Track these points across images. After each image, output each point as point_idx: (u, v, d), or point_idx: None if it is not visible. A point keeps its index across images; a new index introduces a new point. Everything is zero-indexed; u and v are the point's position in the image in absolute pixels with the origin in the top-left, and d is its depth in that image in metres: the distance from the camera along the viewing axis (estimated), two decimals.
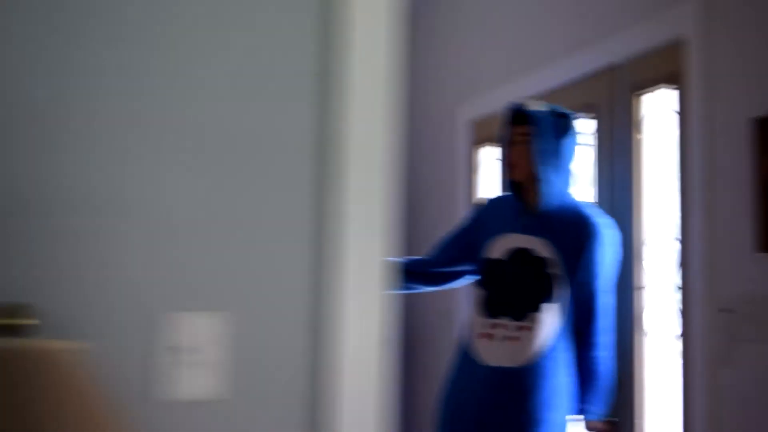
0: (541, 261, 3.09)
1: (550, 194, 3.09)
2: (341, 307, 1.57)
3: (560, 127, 3.11)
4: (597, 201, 3.77)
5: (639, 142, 3.60)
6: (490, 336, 3.11)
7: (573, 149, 3.17)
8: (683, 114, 3.31)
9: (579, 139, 3.23)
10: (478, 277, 3.26)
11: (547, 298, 3.07)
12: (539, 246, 3.11)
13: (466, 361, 3.18)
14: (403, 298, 5.40)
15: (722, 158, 3.13)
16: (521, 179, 3.18)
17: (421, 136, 5.50)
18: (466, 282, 3.41)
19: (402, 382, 5.86)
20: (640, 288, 3.54)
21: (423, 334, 5.55)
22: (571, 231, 3.09)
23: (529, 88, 4.17)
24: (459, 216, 4.36)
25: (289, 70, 1.56)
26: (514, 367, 3.05)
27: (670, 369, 3.39)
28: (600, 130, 3.77)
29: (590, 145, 3.75)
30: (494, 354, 3.09)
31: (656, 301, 3.50)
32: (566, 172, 3.14)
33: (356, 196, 1.60)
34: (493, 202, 3.36)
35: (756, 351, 2.97)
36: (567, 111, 3.18)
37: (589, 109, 3.80)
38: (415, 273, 3.39)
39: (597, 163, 3.77)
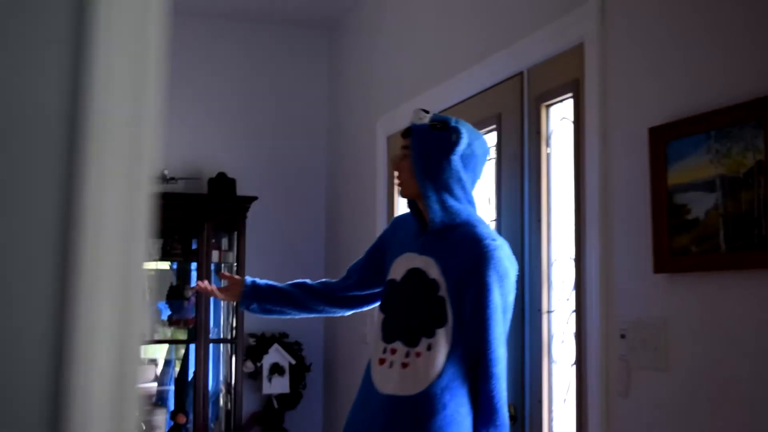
0: (433, 283, 2.90)
1: (435, 212, 2.91)
2: (84, 319, 1.33)
3: (442, 140, 2.90)
4: (500, 219, 3.54)
5: (547, 156, 3.37)
6: (383, 361, 2.95)
7: (466, 163, 2.95)
8: (579, 124, 3.10)
9: (480, 152, 3.01)
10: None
11: (439, 323, 2.87)
12: (432, 267, 2.93)
13: (365, 387, 3.03)
14: (323, 321, 5.20)
15: (619, 171, 2.91)
16: (408, 196, 3.01)
17: (344, 153, 5.38)
18: (375, 305, 3.29)
19: (324, 406, 5.68)
20: (549, 312, 3.31)
21: (343, 357, 5.38)
22: (460, 252, 2.89)
23: (442, 100, 3.97)
24: (377, 234, 4.14)
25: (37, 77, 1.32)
26: (406, 396, 2.86)
27: (572, 398, 3.15)
28: (506, 144, 3.54)
29: (492, 159, 3.53)
30: (388, 381, 2.92)
31: (563, 326, 3.27)
32: (455, 189, 2.93)
33: (107, 202, 1.37)
34: (399, 220, 3.22)
35: (653, 379, 2.74)
36: (454, 122, 2.95)
37: (497, 121, 3.58)
38: (325, 296, 3.30)
39: (503, 179, 3.54)
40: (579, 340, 3.08)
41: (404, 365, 2.88)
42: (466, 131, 2.93)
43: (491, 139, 3.65)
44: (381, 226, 4.55)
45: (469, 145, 2.93)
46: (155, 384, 5.60)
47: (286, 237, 5.54)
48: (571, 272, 3.18)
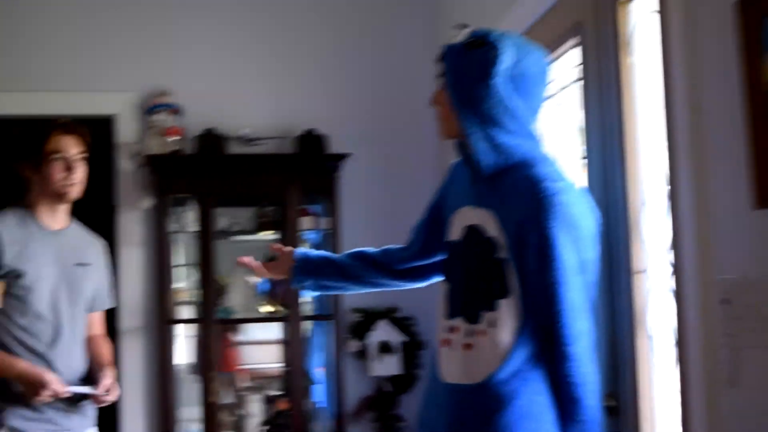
0: (491, 242, 2.27)
1: (482, 152, 2.28)
2: None
3: (479, 59, 2.27)
4: (590, 155, 2.76)
5: (629, 68, 2.58)
6: (447, 342, 2.37)
7: (517, 87, 2.29)
8: (664, 14, 2.28)
9: (534, 70, 2.30)
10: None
11: (501, 292, 2.25)
12: (489, 222, 2.30)
13: (431, 374, 2.47)
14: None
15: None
16: (451, 135, 2.38)
17: None
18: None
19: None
20: (640, 272, 2.53)
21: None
22: (517, 200, 2.23)
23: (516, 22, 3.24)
24: None
25: None
26: (471, 385, 2.28)
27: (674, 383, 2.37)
28: (585, 58, 2.76)
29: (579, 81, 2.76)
30: (451, 367, 2.35)
31: (659, 290, 2.48)
32: (504, 120, 2.28)
33: None
34: (454, 168, 2.57)
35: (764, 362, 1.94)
36: (493, 36, 2.29)
37: (574, 33, 2.81)
38: (384, 267, 2.73)
39: (589, 102, 2.76)
40: (680, 309, 2.29)
41: (466, 346, 2.30)
42: (510, 46, 2.27)
43: (575, 56, 2.87)
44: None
45: (517, 63, 2.27)
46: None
47: (388, 200, 4.86)
48: (665, 217, 2.37)
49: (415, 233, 2.67)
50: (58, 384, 2.96)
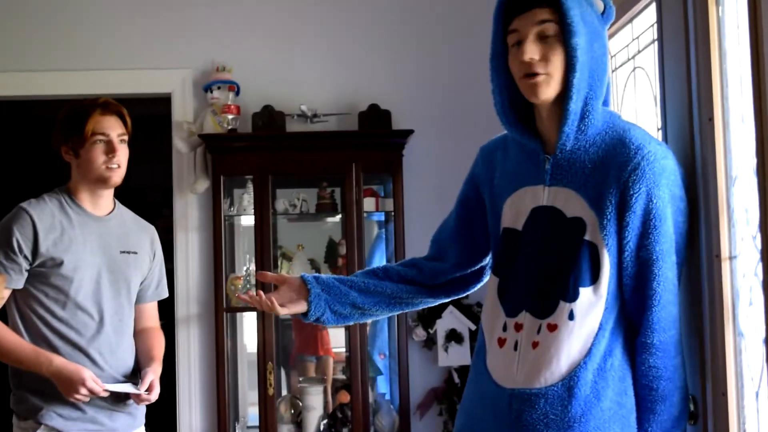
0: (576, 223, 2.02)
1: (573, 121, 2.03)
2: None
3: (592, 6, 2.06)
4: (665, 126, 2.44)
5: (718, 22, 2.24)
6: (503, 342, 2.11)
7: (605, 40, 2.10)
8: None
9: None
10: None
11: (586, 278, 2.00)
12: (571, 201, 2.04)
13: (478, 379, 2.20)
14: None
15: None
16: (548, 98, 2.06)
17: None
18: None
19: None
20: (731, 258, 2.20)
21: None
22: (613, 171, 1.99)
23: None
24: None
25: None
26: (541, 390, 2.02)
27: None
28: (663, 14, 2.43)
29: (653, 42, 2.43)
30: (511, 370, 2.08)
31: (750, 279, 2.15)
32: (603, 83, 2.06)
33: None
34: (489, 150, 2.33)
35: None
36: None
37: None
38: (424, 285, 2.39)
39: (667, 67, 2.43)
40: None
41: (535, 345, 2.03)
42: None
43: (651, 15, 2.55)
44: None
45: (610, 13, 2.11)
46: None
47: (453, 179, 4.54)
48: (755, 195, 2.04)
49: (449, 242, 2.36)
50: (95, 382, 2.76)
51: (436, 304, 2.47)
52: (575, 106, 2.00)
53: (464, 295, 2.46)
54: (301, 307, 2.25)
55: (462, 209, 2.33)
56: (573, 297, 1.98)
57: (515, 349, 2.06)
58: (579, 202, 2.01)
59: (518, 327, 2.06)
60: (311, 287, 2.25)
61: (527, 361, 2.04)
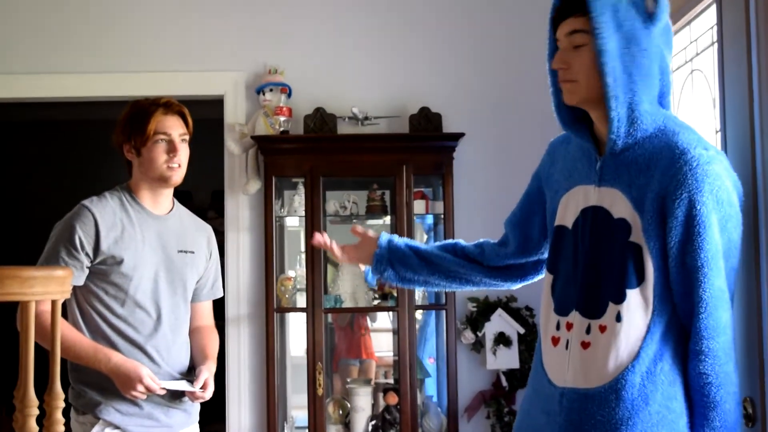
0: (622, 224, 2.03)
1: (619, 121, 2.03)
2: None
3: (636, 6, 2.05)
4: (725, 128, 2.43)
5: None
6: (557, 341, 2.14)
7: (666, 41, 2.10)
8: None
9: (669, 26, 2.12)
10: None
11: (632, 280, 2.01)
12: (618, 202, 2.05)
13: (537, 377, 2.23)
14: None
15: None
16: (580, 101, 2.12)
17: None
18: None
19: None
20: None
21: None
22: (657, 174, 1.99)
23: None
24: None
25: None
26: (591, 390, 2.05)
27: None
28: (723, 15, 2.42)
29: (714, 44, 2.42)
30: (563, 368, 2.11)
31: None
32: (652, 84, 2.06)
33: None
34: (556, 145, 2.35)
35: None
36: None
37: None
38: (481, 264, 2.51)
39: (727, 69, 2.42)
40: None
41: (585, 345, 2.05)
42: None
43: (710, 17, 2.54)
44: None
45: (665, 9, 2.07)
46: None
47: (503, 183, 4.55)
48: None
49: (510, 228, 2.44)
50: (152, 379, 2.79)
51: (498, 287, 2.54)
52: (616, 111, 2.01)
53: (520, 285, 2.53)
54: (365, 261, 2.56)
55: (526, 200, 2.40)
56: (620, 299, 2.00)
57: (567, 348, 2.08)
58: (624, 203, 2.02)
59: (569, 326, 2.08)
60: (380, 247, 2.50)
61: (577, 360, 2.06)
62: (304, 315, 4.38)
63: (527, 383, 2.31)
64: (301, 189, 4.46)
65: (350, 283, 4.53)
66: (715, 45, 2.51)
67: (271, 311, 4.36)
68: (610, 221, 2.03)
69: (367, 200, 4.54)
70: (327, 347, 4.59)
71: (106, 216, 2.89)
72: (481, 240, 2.52)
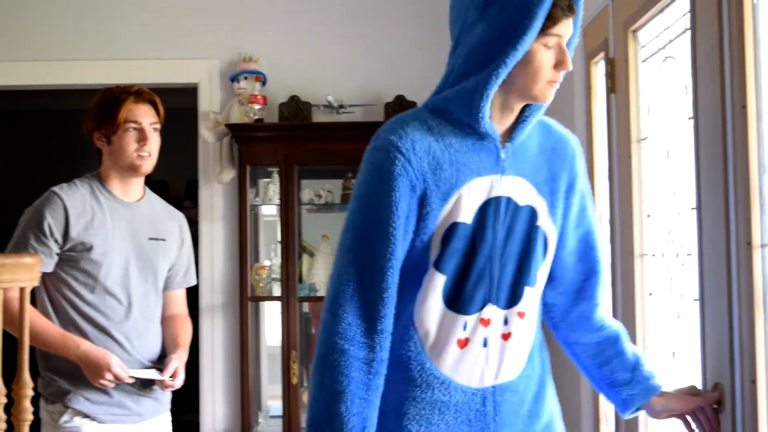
0: (528, 211, 2.03)
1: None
2: None
3: None
4: (697, 114, 2.43)
5: (751, 8, 2.23)
6: (466, 343, 1.98)
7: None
8: None
9: None
10: (429, 262, 1.99)
11: (540, 262, 2.06)
12: (524, 189, 2.03)
13: (431, 387, 1.98)
14: None
15: None
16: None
17: None
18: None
19: None
20: (759, 246, 2.19)
21: None
22: (555, 159, 2.08)
23: None
24: None
25: None
26: (514, 380, 2.05)
27: None
28: (696, 3, 2.42)
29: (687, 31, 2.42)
30: (478, 368, 2.00)
31: None
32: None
33: None
34: (421, 140, 1.95)
35: None
36: None
37: None
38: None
39: (699, 54, 2.42)
40: None
41: (506, 336, 2.01)
42: None
43: (684, 3, 2.54)
44: None
45: None
46: None
47: None
48: None
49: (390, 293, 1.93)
50: (121, 368, 2.77)
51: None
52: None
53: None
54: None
55: (398, 254, 1.92)
56: (534, 281, 2.03)
57: (484, 345, 1.98)
58: (530, 189, 2.01)
59: (485, 322, 1.97)
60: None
61: (501, 354, 2.00)
62: (279, 304, 4.36)
63: (398, 403, 1.97)
64: (276, 177, 4.44)
65: (325, 272, 4.52)
66: (688, 32, 2.51)
67: (245, 300, 4.35)
68: (517, 209, 1.99)
69: (342, 189, 4.53)
70: (302, 336, 4.58)
71: (76, 202, 2.86)
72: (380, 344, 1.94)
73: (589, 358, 2.18)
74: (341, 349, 1.85)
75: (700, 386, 2.38)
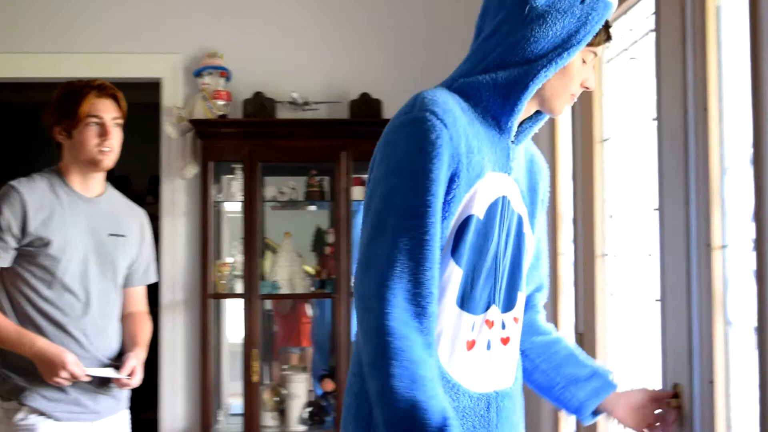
0: (518, 216, 1.98)
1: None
2: None
3: None
4: (660, 114, 2.44)
5: (714, 12, 2.24)
6: (473, 345, 1.90)
7: None
8: None
9: None
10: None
11: (525, 268, 2.04)
12: (516, 193, 1.98)
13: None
14: None
15: None
16: None
17: None
18: None
19: None
20: (719, 248, 2.20)
21: None
22: (537, 172, 2.10)
23: None
24: None
25: None
26: (511, 387, 2.01)
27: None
28: (660, 3, 2.43)
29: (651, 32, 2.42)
30: (482, 372, 1.92)
31: (741, 268, 2.15)
32: None
33: None
34: (456, 111, 1.85)
35: None
36: None
37: None
38: None
39: (663, 56, 2.43)
40: (761, 291, 1.96)
41: (504, 341, 1.96)
42: None
43: (649, 4, 2.54)
44: None
45: None
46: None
47: None
48: (749, 185, 2.04)
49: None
50: (77, 366, 2.73)
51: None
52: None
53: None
54: None
55: (439, 232, 1.81)
56: (523, 287, 2.01)
57: (488, 348, 1.91)
58: (519, 195, 1.98)
59: (489, 324, 1.90)
60: None
61: (501, 358, 1.94)
62: (241, 301, 4.33)
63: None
64: (240, 174, 4.41)
65: (287, 270, 4.50)
66: (653, 33, 2.52)
67: (206, 297, 4.31)
68: (512, 212, 1.94)
69: (306, 186, 4.51)
70: (264, 334, 4.55)
71: (35, 197, 2.82)
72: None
73: (546, 361, 2.12)
74: (401, 334, 1.70)
75: (659, 386, 2.39)
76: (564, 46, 1.81)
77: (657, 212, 2.45)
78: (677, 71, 2.34)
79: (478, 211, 1.85)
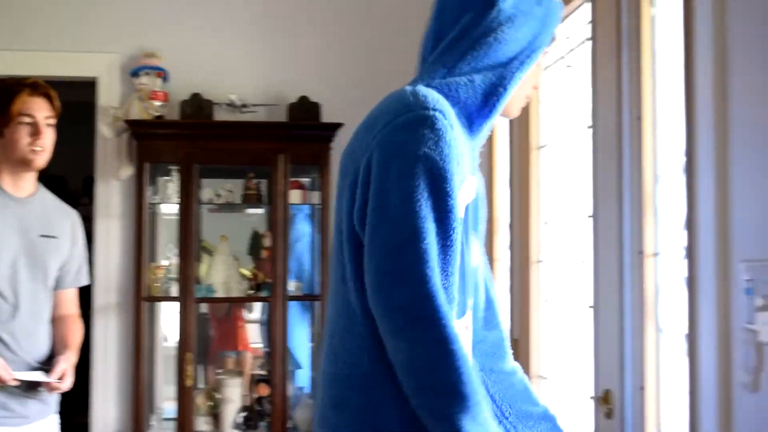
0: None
1: None
2: None
3: None
4: (596, 121, 2.46)
5: (649, 22, 2.27)
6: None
7: None
8: None
9: None
10: None
11: None
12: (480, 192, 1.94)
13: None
14: None
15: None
16: None
17: None
18: None
19: None
20: (651, 255, 2.23)
21: None
22: None
23: None
24: None
25: None
26: None
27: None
28: (597, 12, 2.45)
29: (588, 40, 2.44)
30: None
31: (672, 276, 2.18)
32: None
33: None
34: (450, 113, 1.82)
35: None
36: None
37: None
38: None
39: (599, 63, 2.45)
40: (692, 297, 1.99)
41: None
42: None
43: (586, 12, 2.57)
44: None
45: None
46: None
47: None
48: (682, 194, 2.07)
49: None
50: (4, 369, 2.67)
51: None
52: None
53: None
54: None
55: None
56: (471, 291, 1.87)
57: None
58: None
59: (467, 330, 1.84)
60: None
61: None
62: (177, 305, 4.28)
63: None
64: (176, 176, 4.35)
65: (224, 273, 4.45)
66: (589, 42, 2.54)
67: (140, 300, 4.25)
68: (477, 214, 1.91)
69: (243, 189, 4.47)
70: (199, 338, 4.50)
71: None
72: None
73: (502, 390, 2.01)
74: (443, 324, 1.60)
75: (592, 392, 2.41)
76: (530, 47, 1.80)
77: (591, 219, 2.47)
78: (612, 80, 2.37)
79: (460, 213, 1.77)
